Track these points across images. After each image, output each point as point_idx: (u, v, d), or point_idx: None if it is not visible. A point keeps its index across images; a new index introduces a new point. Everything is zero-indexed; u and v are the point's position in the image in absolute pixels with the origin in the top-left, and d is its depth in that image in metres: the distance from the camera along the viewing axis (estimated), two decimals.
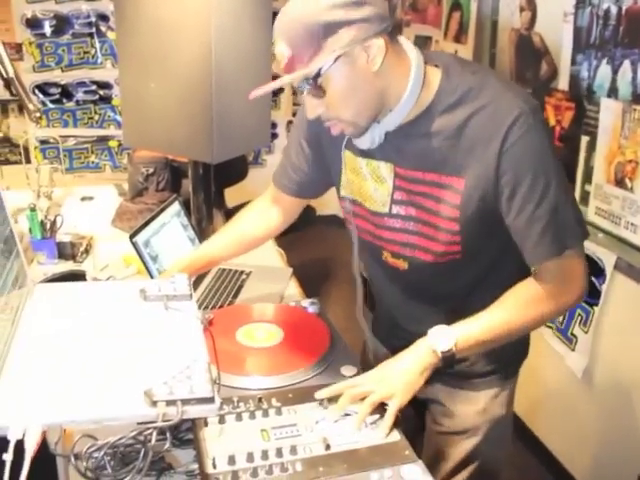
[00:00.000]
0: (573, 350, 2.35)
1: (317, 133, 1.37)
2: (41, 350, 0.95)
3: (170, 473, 1.16)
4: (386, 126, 1.18)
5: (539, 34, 2.48)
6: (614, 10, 2.09)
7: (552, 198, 1.14)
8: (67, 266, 2.03)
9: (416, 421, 1.53)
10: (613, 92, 2.12)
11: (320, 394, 1.22)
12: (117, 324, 1.05)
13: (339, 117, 1.16)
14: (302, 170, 1.46)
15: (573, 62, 2.29)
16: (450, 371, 1.36)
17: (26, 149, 4.13)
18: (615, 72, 2.10)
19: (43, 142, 4.27)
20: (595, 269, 2.20)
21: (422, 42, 3.55)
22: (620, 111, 2.09)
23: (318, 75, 1.08)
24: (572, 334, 2.35)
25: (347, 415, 1.18)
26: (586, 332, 2.28)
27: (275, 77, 1.18)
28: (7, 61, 2.19)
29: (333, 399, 1.20)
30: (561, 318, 2.38)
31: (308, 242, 1.84)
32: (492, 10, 2.79)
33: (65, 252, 2.10)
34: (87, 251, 2.16)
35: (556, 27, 2.36)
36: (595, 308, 2.23)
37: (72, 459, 0.76)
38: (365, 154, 1.28)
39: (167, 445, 0.83)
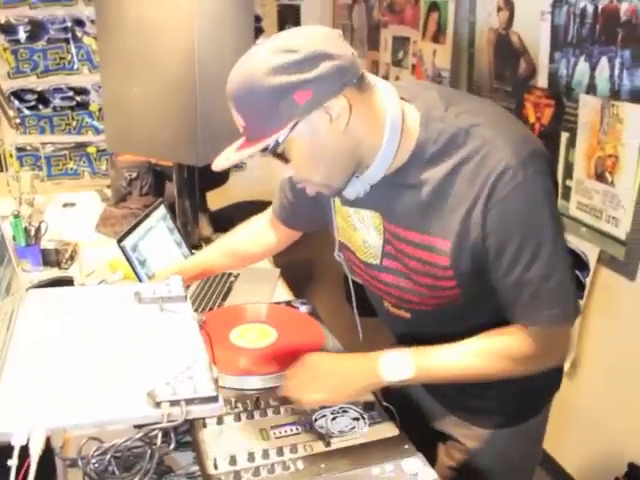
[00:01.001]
0: None
1: None
2: (39, 355, 0.94)
3: (170, 476, 1.16)
4: (367, 180, 1.07)
5: (517, 33, 2.52)
6: (590, 9, 2.13)
7: (544, 262, 1.02)
8: (53, 273, 2.01)
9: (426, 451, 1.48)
10: (591, 89, 2.15)
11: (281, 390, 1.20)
12: (114, 327, 1.04)
13: (310, 181, 1.07)
14: (296, 204, 1.39)
15: (551, 60, 2.33)
16: (466, 403, 1.31)
17: (3, 157, 4.08)
18: (593, 69, 2.14)
19: (20, 149, 4.21)
20: (579, 263, 2.24)
21: (400, 43, 3.58)
22: (599, 107, 2.13)
23: (276, 145, 0.98)
24: None
25: (344, 412, 1.19)
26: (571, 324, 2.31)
27: None
28: None
29: None
30: None
31: (293, 245, 1.84)
32: (470, 10, 2.82)
33: (50, 259, 2.08)
34: (72, 257, 2.14)
35: (534, 26, 2.40)
36: (580, 301, 2.27)
37: (80, 462, 0.75)
38: (352, 203, 1.17)
39: (172, 446, 0.82)
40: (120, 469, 0.82)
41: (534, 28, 2.39)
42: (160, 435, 0.80)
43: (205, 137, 1.93)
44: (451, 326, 1.17)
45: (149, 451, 0.79)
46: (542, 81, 2.38)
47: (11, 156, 4.18)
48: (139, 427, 0.83)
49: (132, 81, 1.96)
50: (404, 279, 1.17)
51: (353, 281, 1.38)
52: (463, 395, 1.31)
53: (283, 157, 1.01)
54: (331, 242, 1.38)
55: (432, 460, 1.40)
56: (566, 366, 2.34)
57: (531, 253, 1.02)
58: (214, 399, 0.85)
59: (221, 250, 1.53)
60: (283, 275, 2.08)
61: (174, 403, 0.82)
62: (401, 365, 1.09)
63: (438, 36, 3.13)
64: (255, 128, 0.98)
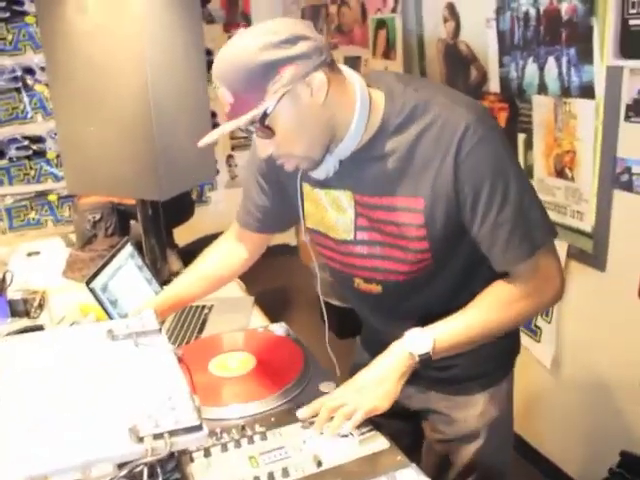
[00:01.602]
0: (538, 342, 2.39)
1: (273, 168, 1.33)
2: (13, 402, 0.91)
3: None
4: (339, 155, 1.17)
5: (465, 42, 2.57)
6: (533, 12, 2.19)
7: (513, 202, 1.13)
8: (22, 323, 1.96)
9: (412, 434, 1.50)
10: (542, 88, 2.20)
11: (301, 413, 1.20)
12: (88, 367, 1.01)
13: (291, 154, 1.15)
14: (265, 207, 1.43)
15: (501, 65, 2.38)
16: (443, 377, 1.38)
17: None
18: (542, 69, 2.19)
19: None
20: None
21: (352, 62, 3.62)
22: (552, 106, 2.17)
23: (264, 116, 1.07)
24: (536, 326, 2.40)
25: None
26: (549, 322, 2.33)
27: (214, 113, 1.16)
28: None
29: (315, 417, 1.19)
30: None
31: (261, 273, 1.83)
32: (417, 24, 2.88)
33: (18, 309, 2.02)
34: (41, 306, 2.09)
35: (480, 33, 2.45)
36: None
37: None
38: (322, 185, 1.26)
39: (160, 479, 0.79)
40: None
41: (481, 35, 2.44)
42: (146, 471, 0.77)
43: (166, 170, 1.92)
44: (419, 295, 1.29)
45: None
46: (494, 86, 2.43)
47: None
48: (123, 466, 0.80)
49: (88, 121, 1.95)
50: (380, 247, 1.25)
51: (326, 302, 1.44)
52: (436, 370, 1.35)
53: (268, 129, 1.09)
54: (298, 269, 1.38)
55: (419, 441, 1.50)
56: (547, 363, 2.36)
57: (502, 194, 1.13)
58: (198, 428, 0.83)
59: (193, 278, 1.51)
60: (258, 303, 2.06)
61: (157, 436, 0.80)
62: (423, 334, 1.18)
63: (389, 52, 3.18)
64: (243, 102, 1.06)
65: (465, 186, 1.13)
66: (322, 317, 1.44)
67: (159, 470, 0.80)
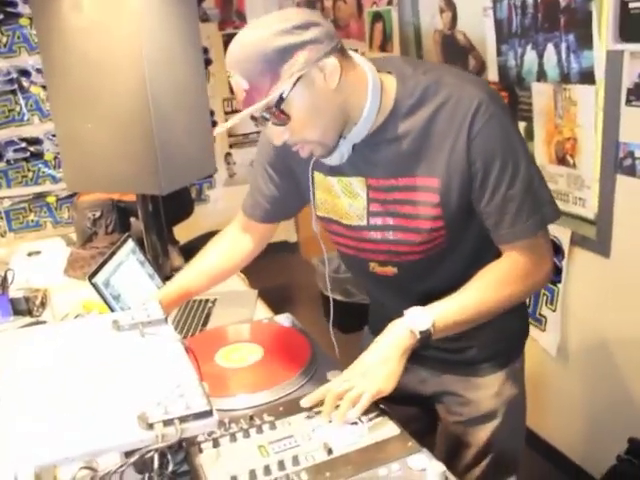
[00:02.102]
0: (544, 330, 2.38)
1: (284, 158, 1.35)
2: (21, 391, 0.90)
3: None
4: (352, 139, 1.19)
5: (462, 32, 2.56)
6: None
7: (523, 177, 1.17)
8: (25, 321, 1.95)
9: (426, 418, 1.51)
10: (542, 76, 2.19)
11: (305, 401, 1.19)
12: (95, 357, 1.00)
13: (305, 139, 1.16)
14: (273, 197, 1.43)
15: (499, 53, 2.37)
16: (458, 359, 1.40)
17: None
18: (540, 57, 2.18)
19: None
20: (553, 248, 2.25)
21: None
22: (551, 93, 2.16)
23: (281, 101, 1.08)
24: (540, 315, 2.39)
25: None
26: (554, 310, 2.32)
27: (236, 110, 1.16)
28: None
29: (321, 404, 1.18)
30: (528, 301, 2.42)
31: (262, 270, 1.82)
32: (413, 16, 2.87)
33: (20, 308, 2.01)
34: (43, 304, 2.07)
35: (477, 23, 2.44)
36: (559, 285, 2.28)
37: None
38: (335, 172, 1.28)
39: (171, 467, 0.78)
40: None
41: (478, 25, 2.43)
42: (157, 458, 0.76)
43: (165, 165, 1.91)
44: (433, 276, 1.31)
45: (147, 476, 0.75)
46: (492, 75, 2.42)
47: None
48: (130, 454, 0.79)
49: (86, 118, 1.93)
50: (392, 231, 1.27)
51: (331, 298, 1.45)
52: (450, 353, 1.40)
53: (284, 115, 1.10)
54: (299, 265, 1.38)
55: (433, 424, 1.51)
56: (553, 352, 2.35)
57: (512, 169, 1.16)
58: (208, 414, 0.82)
59: (197, 272, 1.50)
60: (261, 300, 2.05)
61: (167, 423, 0.79)
62: (423, 312, 1.19)
63: (385, 45, 3.17)
64: (259, 89, 1.08)
65: (477, 161, 1.16)
66: (325, 311, 1.44)
67: (169, 457, 0.79)
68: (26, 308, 2.02)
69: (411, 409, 1.35)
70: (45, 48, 2.00)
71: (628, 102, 1.89)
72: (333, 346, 1.48)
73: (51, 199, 4.35)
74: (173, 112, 1.97)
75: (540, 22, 2.15)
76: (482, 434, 1.43)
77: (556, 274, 2.26)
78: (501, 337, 1.41)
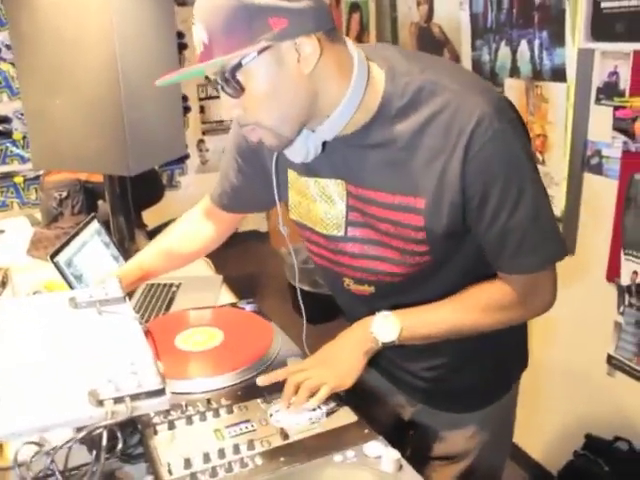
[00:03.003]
0: None
1: (256, 149, 1.22)
2: None
3: None
4: (322, 136, 1.04)
5: (438, 25, 2.56)
6: None
7: (528, 206, 1.02)
8: None
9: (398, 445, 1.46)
10: (515, 72, 2.21)
11: (261, 380, 1.17)
12: (50, 333, 0.98)
13: (258, 122, 1.00)
14: (240, 187, 1.33)
15: (473, 48, 2.38)
16: (434, 390, 1.30)
17: None
18: (514, 52, 2.20)
19: None
20: None
21: None
22: (523, 89, 2.18)
23: (238, 67, 0.93)
24: None
25: None
26: None
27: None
28: None
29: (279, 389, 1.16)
30: None
31: (230, 257, 1.80)
32: (390, 7, 2.86)
33: None
34: (4, 284, 2.03)
35: (453, 16, 2.45)
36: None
37: (16, 469, 0.69)
38: (311, 172, 1.14)
39: (119, 446, 0.77)
40: (63, 474, 0.76)
41: (454, 18, 2.44)
42: (105, 435, 0.74)
43: (134, 145, 1.88)
44: (415, 293, 1.17)
45: (94, 453, 0.73)
46: (466, 68, 2.43)
47: None
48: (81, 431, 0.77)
49: (54, 94, 1.89)
50: (373, 246, 1.14)
51: (300, 289, 1.37)
52: (427, 382, 1.31)
53: (237, 86, 0.95)
54: (269, 255, 1.34)
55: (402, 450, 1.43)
56: None
57: (515, 198, 1.01)
58: (160, 392, 0.81)
59: (156, 252, 1.45)
60: (227, 287, 2.03)
61: (118, 400, 0.78)
62: (391, 322, 1.12)
63: (362, 35, 3.17)
64: (219, 46, 0.93)
65: (474, 184, 1.00)
66: (293, 302, 1.41)
67: (119, 435, 0.78)
68: None
69: (390, 434, 1.17)
70: (14, 23, 1.95)
71: (597, 101, 1.91)
72: (300, 337, 1.43)
73: (18, 179, 4.27)
74: (144, 91, 1.94)
75: (515, 18, 2.17)
76: (450, 474, 1.35)
77: None
78: (489, 370, 1.29)
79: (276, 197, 1.22)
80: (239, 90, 0.96)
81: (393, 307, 1.17)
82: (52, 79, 1.88)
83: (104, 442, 0.74)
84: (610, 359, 2.04)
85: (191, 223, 1.49)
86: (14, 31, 1.94)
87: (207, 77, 1.00)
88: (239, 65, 0.93)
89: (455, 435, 1.33)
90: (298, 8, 0.91)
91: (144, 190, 2.74)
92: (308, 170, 1.14)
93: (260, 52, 0.92)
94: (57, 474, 0.74)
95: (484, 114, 0.97)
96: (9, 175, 4.26)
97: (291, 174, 1.19)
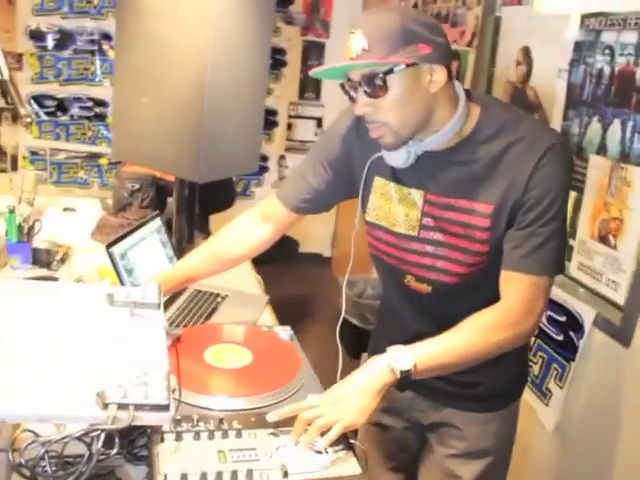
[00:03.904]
0: (547, 405, 2.31)
1: (348, 155, 1.41)
2: None
3: None
4: (425, 146, 1.25)
5: (533, 88, 2.52)
6: (607, 70, 2.13)
7: (557, 223, 1.24)
8: (40, 273, 1.99)
9: (414, 447, 1.57)
10: (602, 149, 2.14)
11: (272, 416, 1.17)
12: (78, 324, 1.01)
13: (386, 121, 1.21)
14: (317, 191, 1.46)
15: (565, 118, 2.32)
16: (465, 394, 1.44)
17: (15, 158, 4.12)
18: (605, 130, 2.13)
19: (33, 153, 4.25)
20: (574, 324, 2.19)
21: None
22: (608, 169, 2.11)
23: (389, 72, 1.14)
24: (547, 388, 2.32)
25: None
26: (561, 387, 2.25)
27: None
28: (2, 64, 2.18)
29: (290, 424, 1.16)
30: (537, 371, 2.36)
31: (288, 277, 1.81)
32: (489, 62, 2.84)
33: (40, 259, 2.06)
34: (63, 260, 2.12)
35: (550, 82, 2.40)
36: (572, 363, 2.21)
37: (9, 453, 0.71)
38: (397, 179, 1.34)
39: (114, 451, 0.78)
40: (55, 467, 0.78)
41: (550, 84, 2.39)
42: (102, 438, 0.76)
43: (207, 155, 1.93)
44: (463, 303, 1.31)
45: (87, 453, 0.75)
46: None
47: (24, 158, 4.23)
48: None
49: (142, 93, 1.98)
50: (440, 247, 1.32)
51: (346, 320, 1.42)
52: (459, 386, 1.42)
53: (381, 88, 1.16)
54: (326, 281, 1.37)
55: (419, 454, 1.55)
56: (550, 429, 2.28)
57: (554, 212, 1.23)
58: (164, 408, 0.81)
59: (206, 256, 1.52)
60: (277, 306, 2.03)
61: (122, 406, 0.79)
62: (405, 352, 1.19)
63: None
64: (374, 53, 1.14)
65: (532, 190, 1.22)
66: (341, 334, 1.45)
67: (117, 439, 0.79)
68: (46, 260, 2.07)
69: (401, 436, 1.39)
70: (121, 22, 2.06)
71: None
72: (335, 367, 1.43)
73: (103, 161, 4.45)
74: (227, 104, 1.99)
75: (612, 95, 2.11)
76: (473, 471, 1.46)
77: (572, 352, 2.19)
78: (506, 377, 1.46)
79: (359, 201, 1.42)
80: (384, 91, 1.17)
81: (442, 310, 1.36)
82: (143, 78, 1.96)
83: (99, 445, 0.75)
84: None
85: (242, 226, 1.56)
86: (120, 28, 2.04)
87: (347, 80, 1.21)
88: (390, 71, 1.15)
89: (480, 432, 1.46)
90: (439, 42, 1.17)
91: (216, 195, 2.81)
92: (395, 177, 1.34)
93: (408, 66, 1.15)
94: (48, 466, 0.75)
95: (556, 143, 1.23)
96: (96, 156, 4.45)
97: (378, 180, 1.38)
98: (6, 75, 2.19)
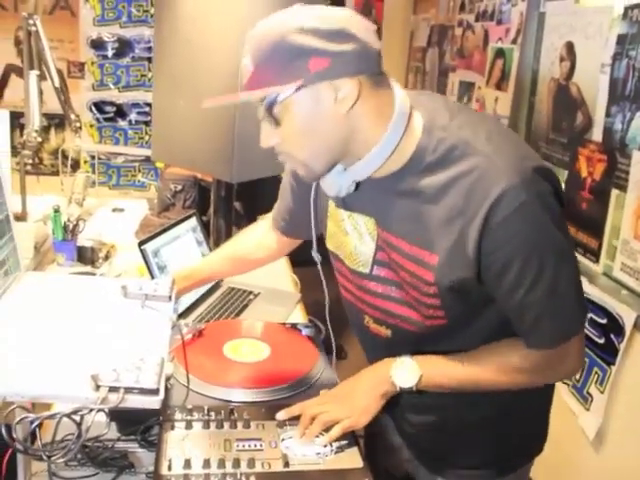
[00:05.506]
0: (588, 410, 2.25)
1: None
2: (4, 327, 0.98)
3: (130, 472, 1.17)
4: (354, 175, 1.05)
5: (576, 84, 2.46)
6: None
7: (546, 283, 1.00)
8: (83, 269, 2.08)
9: None
10: None
11: (281, 414, 1.19)
12: (89, 313, 1.07)
13: (291, 155, 1.04)
14: (292, 210, 1.37)
15: (608, 114, 2.26)
16: (455, 462, 1.29)
17: (77, 163, 4.30)
18: None
19: (94, 157, 4.44)
20: (615, 327, 2.12)
21: (465, 88, 3.57)
22: None
23: (273, 103, 0.96)
24: (588, 393, 2.26)
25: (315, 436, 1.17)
26: (602, 392, 2.19)
27: None
28: (54, 72, 2.30)
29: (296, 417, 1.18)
30: (578, 375, 2.29)
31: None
32: (534, 59, 2.79)
33: (85, 256, 2.16)
34: (107, 258, 2.21)
35: (593, 78, 2.34)
36: (612, 367, 2.14)
37: (2, 428, 0.77)
38: (346, 206, 1.15)
39: (106, 431, 0.83)
40: (45, 443, 0.83)
41: (593, 80, 2.33)
42: (93, 416, 0.80)
43: (241, 156, 1.97)
44: (437, 347, 1.16)
45: (77, 432, 0.80)
46: (597, 135, 2.31)
47: (85, 162, 4.42)
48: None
49: (179, 96, 2.04)
50: (396, 288, 1.14)
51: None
52: (450, 453, 1.29)
53: (275, 118, 0.99)
54: None
55: None
56: (591, 435, 2.21)
57: (534, 274, 0.99)
58: (154, 392, 0.85)
59: (227, 257, 1.52)
60: (308, 310, 2.02)
61: (113, 389, 0.83)
62: (411, 369, 1.13)
63: (501, 83, 3.10)
64: (261, 78, 0.96)
65: (493, 253, 0.98)
66: None
67: (108, 420, 0.83)
68: (90, 257, 2.16)
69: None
70: (159, 27, 2.14)
71: None
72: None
73: (160, 164, 4.58)
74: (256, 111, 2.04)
75: None
76: None
77: (612, 355, 2.13)
78: (510, 442, 1.27)
79: (312, 224, 1.25)
80: (277, 123, 1.00)
81: (409, 352, 1.16)
82: (180, 82, 2.02)
83: (89, 422, 0.79)
84: None
85: (259, 232, 1.53)
86: (157, 33, 2.12)
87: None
88: (274, 101, 0.96)
89: None
90: (341, 51, 0.93)
91: (270, 196, 2.86)
92: (344, 203, 1.15)
93: (297, 90, 0.95)
94: (38, 441, 0.80)
95: (510, 186, 0.94)
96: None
97: (331, 205, 1.20)
98: (57, 83, 2.31)
